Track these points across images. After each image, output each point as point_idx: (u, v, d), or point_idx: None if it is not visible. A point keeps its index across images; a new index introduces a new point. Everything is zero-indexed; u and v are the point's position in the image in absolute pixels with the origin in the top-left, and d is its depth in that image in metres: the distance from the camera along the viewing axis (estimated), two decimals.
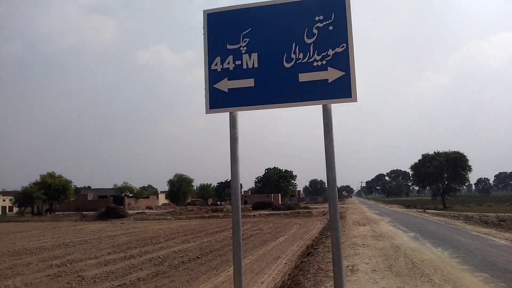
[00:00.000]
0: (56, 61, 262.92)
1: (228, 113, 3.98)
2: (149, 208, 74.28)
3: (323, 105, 3.68)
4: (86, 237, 23.56)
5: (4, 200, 64.91)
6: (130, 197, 79.83)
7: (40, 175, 61.35)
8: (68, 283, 10.33)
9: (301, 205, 64.33)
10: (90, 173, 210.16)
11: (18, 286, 10.07)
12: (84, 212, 55.71)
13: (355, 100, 3.63)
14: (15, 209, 62.11)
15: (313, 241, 17.66)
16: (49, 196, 59.21)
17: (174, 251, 15.98)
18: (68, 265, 13.24)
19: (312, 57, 3.78)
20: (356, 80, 3.65)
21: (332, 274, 8.44)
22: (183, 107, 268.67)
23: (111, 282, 10.30)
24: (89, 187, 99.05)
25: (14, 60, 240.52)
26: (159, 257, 14.54)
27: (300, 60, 3.81)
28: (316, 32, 3.79)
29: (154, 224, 34.87)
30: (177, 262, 13.25)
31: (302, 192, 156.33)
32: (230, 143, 3.94)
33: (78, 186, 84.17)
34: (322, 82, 3.71)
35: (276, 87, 3.86)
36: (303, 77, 3.78)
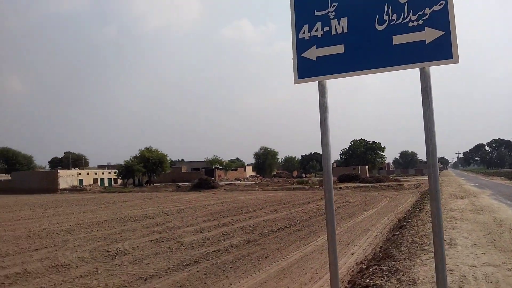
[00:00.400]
0: (146, 43, 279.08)
1: (317, 82, 3.91)
2: (237, 179, 77.23)
3: (420, 68, 3.42)
4: (182, 206, 25.34)
5: (109, 173, 72.11)
6: (220, 169, 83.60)
7: (139, 150, 66.94)
8: (169, 247, 11.26)
9: (391, 177, 61.95)
10: (183, 148, 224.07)
11: (127, 249, 11.23)
12: (179, 183, 59.79)
13: (457, 61, 3.31)
14: (119, 181, 68.70)
15: (405, 214, 17.00)
16: (148, 169, 64.34)
17: (263, 221, 16.51)
18: (168, 231, 14.40)
19: (407, 18, 3.51)
20: (458, 40, 3.33)
21: (427, 247, 8.12)
22: (267, 80, 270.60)
23: (207, 248, 11.00)
24: (182, 160, 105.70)
25: (110, 44, 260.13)
26: (250, 225, 15.14)
27: (394, 22, 3.56)
28: None
29: (243, 195, 36.26)
30: (266, 231, 13.69)
31: (391, 164, 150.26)
32: (320, 112, 3.87)
33: (173, 159, 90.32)
34: (418, 44, 3.44)
35: (368, 52, 3.67)
36: (398, 39, 3.54)
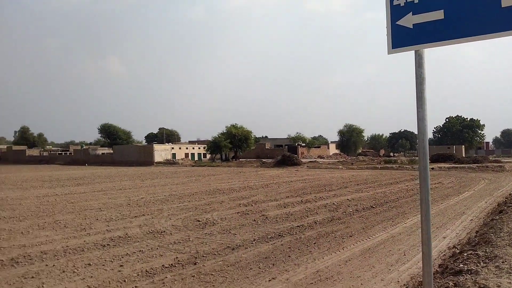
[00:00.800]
0: (230, 20, 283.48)
1: (413, 51, 3.64)
2: (320, 157, 76.57)
3: None
4: (266, 182, 25.89)
5: (199, 148, 76.01)
6: (303, 146, 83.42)
7: (226, 127, 69.41)
8: (254, 220, 11.62)
9: (490, 158, 56.70)
10: (267, 124, 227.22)
11: (215, 220, 11.82)
12: (263, 159, 61.02)
13: None
14: (208, 156, 72.14)
15: (506, 198, 15.52)
16: (234, 145, 66.58)
17: (348, 199, 16.23)
18: (253, 205, 14.85)
19: None
20: None
21: None
22: (353, 54, 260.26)
23: (290, 223, 11.16)
24: (266, 137, 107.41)
25: (197, 24, 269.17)
26: (333, 203, 14.99)
27: None
28: None
29: (326, 173, 35.91)
30: (351, 210, 13.46)
31: (491, 144, 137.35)
32: (416, 84, 3.61)
33: (257, 136, 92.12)
34: None
35: (471, 17, 3.29)
36: (507, 1, 3.13)
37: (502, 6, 3.17)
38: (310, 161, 56.07)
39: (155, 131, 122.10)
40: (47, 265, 7.21)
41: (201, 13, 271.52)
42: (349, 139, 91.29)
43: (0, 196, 18.91)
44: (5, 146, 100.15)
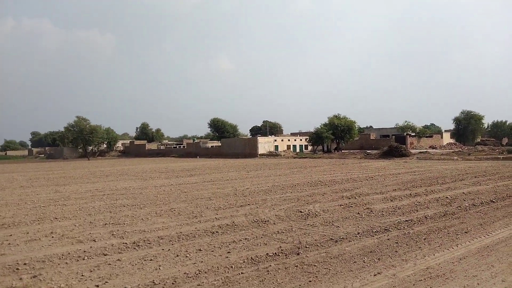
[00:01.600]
0: (335, 12, 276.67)
1: None
2: (432, 147, 71.24)
3: None
4: (371, 174, 24.98)
5: (301, 140, 76.23)
6: (412, 136, 78.39)
7: (328, 118, 68.45)
8: (358, 213, 11.33)
9: None
10: (373, 114, 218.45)
11: (317, 211, 11.81)
12: (367, 150, 58.94)
13: None
14: (309, 147, 72.02)
15: None
16: (336, 136, 65.37)
17: (463, 193, 14.90)
18: (356, 197, 14.48)
19: None
20: None
21: None
22: (474, 32, 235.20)
23: (398, 217, 10.64)
24: (371, 127, 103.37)
25: (303, 14, 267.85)
26: (447, 197, 13.90)
27: None
28: None
29: (439, 164, 33.32)
30: (467, 204, 12.34)
31: None
32: None
33: (362, 126, 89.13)
34: None
35: None
36: None
37: None
38: (421, 152, 52.47)
39: (259, 124, 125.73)
40: (163, 249, 7.96)
41: (307, 3, 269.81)
42: (467, 127, 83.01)
43: (124, 186, 21.32)
44: (128, 141, 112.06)
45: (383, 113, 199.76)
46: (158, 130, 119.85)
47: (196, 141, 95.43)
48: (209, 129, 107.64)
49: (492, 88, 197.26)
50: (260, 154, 65.11)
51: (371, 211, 11.66)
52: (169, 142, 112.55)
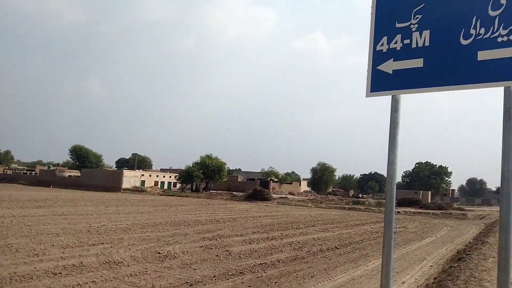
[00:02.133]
0: (219, 54, 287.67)
1: (390, 96, 3.78)
2: (291, 193, 76.77)
3: (505, 88, 3.18)
4: (235, 215, 25.62)
5: (170, 177, 74.86)
6: (275, 181, 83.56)
7: (200, 157, 68.98)
8: (217, 255, 11.40)
9: (454, 206, 58.24)
10: (242, 157, 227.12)
11: (177, 253, 11.53)
12: (234, 192, 60.61)
13: None
14: (178, 185, 71.04)
15: (465, 246, 15.87)
16: (206, 176, 65.93)
17: (313, 238, 16.21)
18: (217, 239, 14.60)
19: (496, 32, 3.26)
20: None
21: (487, 284, 7.47)
22: (334, 95, 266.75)
23: (253, 260, 11.00)
24: (239, 169, 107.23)
25: (186, 53, 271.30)
26: (299, 242, 14.93)
27: (481, 36, 3.33)
28: (504, 3, 3.25)
29: (295, 210, 35.91)
30: (315, 249, 13.42)
31: (456, 191, 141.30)
32: (390, 128, 3.72)
33: (231, 168, 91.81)
34: (506, 61, 3.20)
35: (450, 67, 3.47)
36: (483, 55, 3.31)
37: (478, 60, 3.34)
38: (281, 197, 56.04)
39: (128, 156, 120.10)
40: None
41: (191, 43, 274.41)
42: (321, 177, 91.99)
43: None
44: None
45: (252, 157, 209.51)
46: (7, 152, 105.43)
47: (51, 168, 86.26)
48: (70, 156, 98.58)
49: (344, 144, 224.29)
50: (124, 189, 61.65)
51: (230, 253, 11.83)
52: (18, 167, 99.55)
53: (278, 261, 11.09)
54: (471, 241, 18.05)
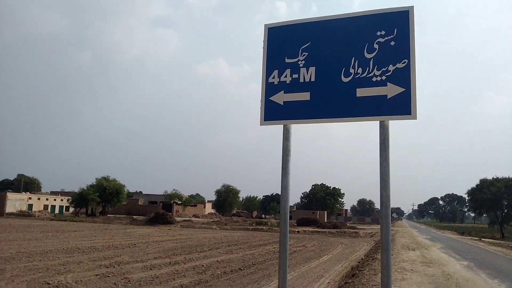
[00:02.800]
0: (118, 73, 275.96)
1: (282, 125, 3.99)
2: (195, 216, 75.64)
3: (380, 122, 3.59)
4: (135, 241, 24.34)
5: (62, 200, 68.88)
6: (179, 204, 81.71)
7: (96, 178, 64.47)
8: (115, 284, 10.67)
9: (348, 224, 62.67)
10: (142, 179, 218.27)
11: (69, 283, 10.54)
12: (134, 216, 57.72)
13: (415, 118, 3.52)
14: (71, 209, 65.49)
15: (358, 262, 17.09)
16: (103, 199, 61.87)
17: (218, 261, 16.08)
18: (116, 266, 13.70)
19: (371, 72, 3.71)
20: (417, 97, 3.53)
21: None
22: (236, 119, 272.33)
23: (155, 286, 10.51)
24: (140, 192, 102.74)
25: (82, 70, 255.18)
26: (203, 265, 14.68)
27: (359, 75, 3.75)
28: (377, 47, 3.71)
29: (200, 233, 35.39)
30: (219, 272, 13.31)
31: (349, 211, 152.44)
32: (282, 155, 3.93)
33: (131, 190, 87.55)
34: (380, 98, 3.63)
35: (333, 101, 3.83)
36: (361, 92, 3.72)
37: (357, 96, 3.72)
38: (185, 220, 54.86)
39: (13, 177, 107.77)
40: None
41: (87, 59, 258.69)
42: (226, 199, 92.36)
43: None
44: None
45: (154, 179, 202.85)
46: None
47: None
48: None
49: (248, 167, 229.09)
50: (7, 213, 55.03)
51: (129, 280, 11.16)
52: None
53: (181, 286, 10.75)
54: (363, 257, 19.49)
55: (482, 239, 42.20)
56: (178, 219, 55.32)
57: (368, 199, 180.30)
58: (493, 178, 62.45)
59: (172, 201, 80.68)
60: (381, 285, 3.34)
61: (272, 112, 4.04)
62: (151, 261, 15.39)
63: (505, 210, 60.35)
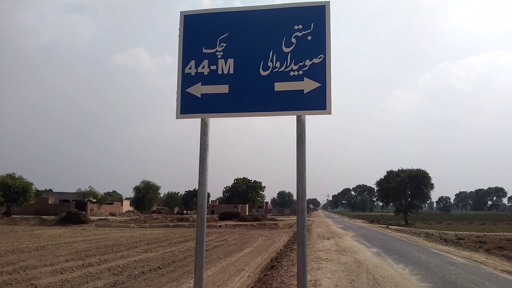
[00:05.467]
0: (27, 60, 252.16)
1: (200, 119, 3.84)
2: (112, 214, 72.22)
3: (297, 116, 3.61)
4: (44, 243, 22.48)
5: None
6: (94, 202, 77.28)
7: (0, 176, 58.40)
8: None
9: (268, 216, 64.24)
10: (53, 176, 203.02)
11: None
12: (43, 216, 53.44)
13: (329, 113, 3.57)
14: None
15: (277, 253, 17.53)
16: (8, 198, 56.35)
17: (135, 261, 15.45)
18: (20, 272, 12.50)
19: (289, 67, 3.69)
20: (332, 93, 3.59)
21: None
22: (157, 112, 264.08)
23: None
24: (50, 190, 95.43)
25: None
26: (119, 266, 14.00)
27: (277, 69, 3.72)
28: (295, 41, 3.71)
29: (116, 232, 33.79)
30: (137, 272, 12.78)
31: (269, 203, 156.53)
32: (200, 150, 3.78)
33: (40, 188, 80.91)
34: (297, 93, 3.64)
35: (251, 95, 3.75)
36: (279, 86, 3.69)
37: (275, 90, 3.68)
38: (100, 219, 52.05)
39: None
40: None
41: None
42: (145, 196, 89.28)
43: None
44: None
45: (66, 176, 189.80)
46: None
47: None
48: None
49: (168, 162, 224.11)
50: None
51: (35, 287, 10.25)
52: None
53: None
54: (282, 248, 20.05)
55: (389, 226, 45.83)
56: (93, 218, 52.37)
57: (287, 191, 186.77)
58: (398, 169, 68.09)
59: (86, 199, 76.08)
60: (297, 280, 3.36)
61: (189, 105, 3.86)
62: (62, 264, 14.30)
63: (409, 199, 66.18)
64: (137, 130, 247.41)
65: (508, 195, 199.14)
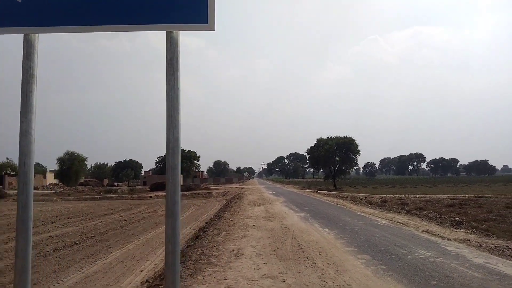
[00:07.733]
0: None
1: (22, 35, 2.60)
2: (34, 188, 67.51)
3: (167, 32, 2.61)
4: None
5: None
6: (12, 175, 71.60)
7: None
8: None
9: (202, 186, 63.85)
10: None
11: None
12: None
13: (212, 28, 2.60)
14: None
15: (206, 223, 17.18)
16: None
17: (50, 237, 14.27)
18: None
19: None
20: (216, 5, 2.62)
21: (214, 260, 7.98)
22: (85, 75, 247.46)
23: None
24: None
25: None
26: None
27: None
28: None
29: (35, 206, 31.36)
30: (48, 250, 11.74)
31: (205, 173, 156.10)
32: (22, 82, 2.55)
33: None
34: (167, 1, 2.66)
35: (96, 2, 2.62)
36: None
37: None
38: None
39: None
40: None
41: None
42: (70, 167, 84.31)
43: None
44: None
45: None
46: None
47: None
48: None
49: (95, 129, 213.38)
50: None
51: None
52: None
53: None
54: (212, 217, 19.74)
55: (318, 191, 47.57)
56: (11, 192, 48.47)
57: (223, 160, 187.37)
58: (327, 137, 70.42)
59: (3, 172, 70.30)
60: (165, 263, 2.53)
61: (6, 15, 2.60)
62: None
63: (337, 165, 69.04)
64: (62, 96, 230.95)
65: (427, 160, 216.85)
